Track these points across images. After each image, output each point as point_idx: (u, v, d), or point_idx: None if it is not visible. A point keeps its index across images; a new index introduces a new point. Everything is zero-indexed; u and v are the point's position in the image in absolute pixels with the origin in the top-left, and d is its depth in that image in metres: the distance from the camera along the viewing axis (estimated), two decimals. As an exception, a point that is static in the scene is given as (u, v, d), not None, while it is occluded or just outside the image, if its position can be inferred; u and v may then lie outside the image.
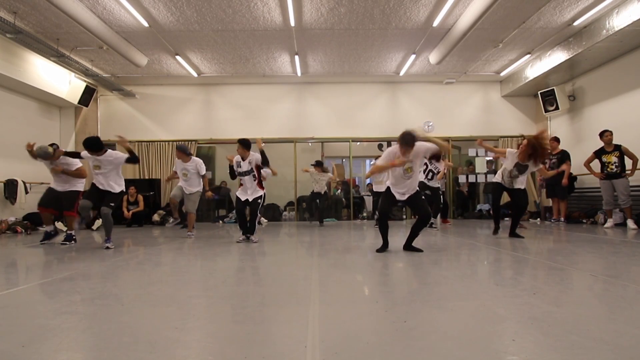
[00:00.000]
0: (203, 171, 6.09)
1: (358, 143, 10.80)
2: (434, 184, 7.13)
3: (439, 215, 8.09)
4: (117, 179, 5.00)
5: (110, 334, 1.69)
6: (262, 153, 5.22)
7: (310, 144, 11.02)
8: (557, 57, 7.89)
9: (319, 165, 8.52)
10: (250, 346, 1.54)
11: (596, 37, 6.84)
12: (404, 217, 10.25)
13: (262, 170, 5.40)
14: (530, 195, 8.85)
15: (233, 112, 10.28)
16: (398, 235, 6.01)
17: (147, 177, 9.88)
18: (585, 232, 6.03)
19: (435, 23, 6.84)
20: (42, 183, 7.32)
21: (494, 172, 9.58)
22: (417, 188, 4.16)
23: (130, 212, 8.58)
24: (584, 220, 7.72)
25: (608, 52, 7.36)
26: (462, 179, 10.47)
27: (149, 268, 3.48)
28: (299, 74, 9.41)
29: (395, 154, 4.01)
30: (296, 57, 8.40)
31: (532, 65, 8.81)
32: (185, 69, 8.96)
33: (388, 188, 4.15)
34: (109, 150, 4.98)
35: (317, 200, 8.64)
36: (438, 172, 7.10)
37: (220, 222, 9.56)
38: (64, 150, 5.39)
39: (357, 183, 12.47)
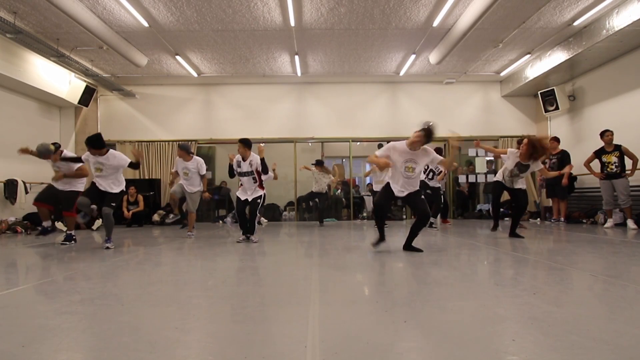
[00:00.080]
0: (204, 171, 6.08)
1: (358, 143, 10.80)
2: (435, 183, 7.13)
3: (439, 215, 8.09)
4: (118, 180, 4.98)
5: (110, 334, 1.69)
6: (262, 161, 5.22)
7: (310, 144, 11.02)
8: (557, 57, 7.89)
9: (319, 164, 8.50)
10: (250, 346, 1.54)
11: (596, 37, 6.84)
12: (404, 217, 10.25)
13: (262, 176, 5.39)
14: (530, 195, 8.85)
15: (233, 112, 10.28)
16: (398, 235, 6.01)
17: (147, 177, 9.88)
18: (585, 232, 6.03)
19: (435, 23, 6.84)
20: (42, 183, 7.31)
21: (494, 172, 9.59)
22: (418, 187, 4.16)
23: (130, 212, 8.59)
24: (584, 220, 7.72)
25: (608, 52, 7.36)
26: (462, 179, 10.47)
27: (149, 268, 3.48)
28: (299, 74, 9.42)
29: (398, 149, 4.03)
30: (296, 57, 8.40)
31: (532, 65, 8.81)
32: (185, 69, 8.96)
33: (388, 183, 4.17)
34: (111, 150, 4.94)
35: (317, 200, 8.64)
36: (439, 173, 7.10)
37: (220, 222, 9.56)
38: (63, 150, 5.38)
39: (357, 183, 12.47)
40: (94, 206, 5.01)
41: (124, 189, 5.10)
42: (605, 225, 6.80)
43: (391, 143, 4.15)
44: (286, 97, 10.37)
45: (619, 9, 6.26)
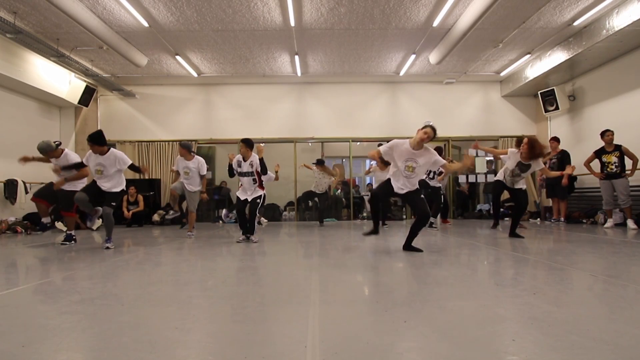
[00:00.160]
0: (204, 171, 6.08)
1: (358, 143, 10.80)
2: (435, 183, 7.13)
3: (439, 215, 8.09)
4: (118, 181, 4.95)
5: (110, 334, 1.69)
6: (262, 161, 5.23)
7: (310, 144, 11.02)
8: (557, 57, 7.89)
9: (320, 163, 8.46)
10: (250, 346, 1.54)
11: (596, 37, 6.84)
12: (404, 217, 10.25)
13: (263, 177, 5.39)
14: (530, 195, 8.86)
15: (233, 112, 10.28)
16: (398, 235, 6.02)
17: (147, 177, 9.87)
18: (585, 232, 6.03)
19: (435, 23, 6.84)
20: (42, 183, 7.30)
21: (494, 172, 9.60)
22: (417, 186, 4.17)
23: (130, 212, 8.59)
24: (584, 220, 7.72)
25: (608, 52, 7.36)
26: (462, 178, 10.47)
27: (149, 268, 3.48)
28: (299, 74, 9.42)
29: (400, 148, 4.04)
30: (296, 57, 8.40)
31: (532, 65, 8.81)
32: (185, 69, 8.96)
33: (389, 178, 4.17)
34: (112, 149, 4.91)
35: (317, 200, 8.64)
36: (440, 173, 7.10)
37: (220, 222, 9.57)
38: (64, 149, 5.38)
39: (357, 183, 12.47)
40: (99, 208, 5.00)
41: (124, 188, 5.07)
42: (605, 225, 6.80)
43: (394, 141, 4.15)
44: (286, 97, 10.37)
45: (619, 9, 6.26)
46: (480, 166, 10.35)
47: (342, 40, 7.66)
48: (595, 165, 6.89)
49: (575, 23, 6.85)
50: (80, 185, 5.43)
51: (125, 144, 9.99)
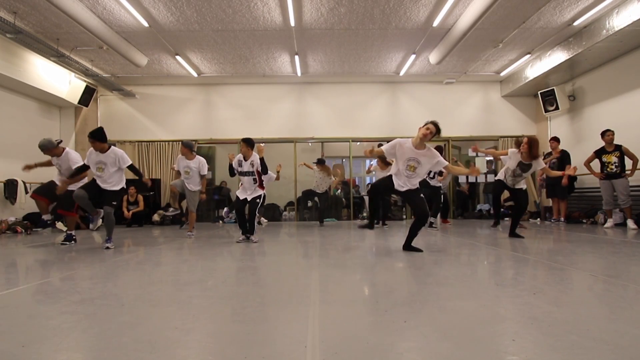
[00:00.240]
0: (205, 171, 6.08)
1: (358, 143, 10.80)
2: (435, 182, 7.13)
3: (439, 215, 8.09)
4: (119, 179, 4.93)
5: (110, 334, 1.69)
6: (262, 160, 5.22)
7: (310, 144, 11.02)
8: (557, 57, 7.89)
9: (321, 163, 8.44)
10: (250, 346, 1.54)
11: (596, 37, 6.84)
12: (404, 217, 10.25)
13: (263, 177, 5.38)
14: (530, 195, 8.85)
15: (233, 112, 10.29)
16: (398, 235, 6.02)
17: (147, 182, 9.86)
18: (585, 232, 6.03)
19: (435, 23, 6.84)
20: (42, 183, 7.31)
21: (494, 172, 9.61)
22: (418, 186, 4.16)
23: (130, 212, 8.59)
24: (584, 220, 7.72)
25: (608, 52, 7.36)
26: (462, 178, 10.48)
27: (149, 268, 3.48)
28: (299, 74, 9.42)
29: (403, 147, 4.03)
30: (296, 57, 8.40)
31: (532, 65, 8.81)
32: (185, 69, 8.96)
33: (391, 175, 4.17)
34: (113, 147, 4.89)
35: (317, 200, 8.63)
36: (441, 173, 7.09)
37: (220, 222, 9.57)
38: (65, 147, 5.38)
39: (357, 183, 12.47)
40: (100, 210, 4.99)
41: (125, 187, 5.04)
42: (605, 225, 6.80)
43: (397, 139, 4.12)
44: (286, 97, 10.37)
45: (619, 9, 6.27)
46: (480, 166, 10.34)
47: (342, 40, 7.66)
48: (595, 165, 6.89)
49: (575, 23, 6.85)
50: (80, 184, 5.44)
51: (125, 144, 9.99)
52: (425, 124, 4.03)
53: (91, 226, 5.13)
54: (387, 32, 7.33)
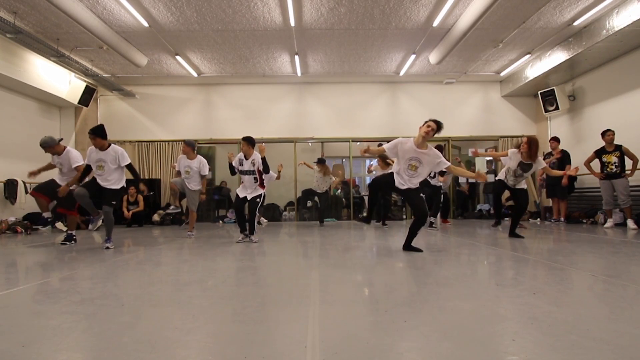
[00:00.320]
0: (206, 172, 6.08)
1: (358, 143, 10.80)
2: (436, 182, 7.12)
3: (439, 215, 8.09)
4: (119, 178, 4.92)
5: (110, 334, 1.69)
6: (264, 160, 5.22)
7: (310, 144, 11.03)
8: (557, 57, 7.90)
9: (321, 162, 8.43)
10: (250, 346, 1.54)
11: (596, 37, 6.84)
12: (404, 217, 10.24)
13: (264, 176, 5.37)
14: (530, 195, 8.85)
15: (233, 112, 10.29)
16: (398, 235, 6.02)
17: (147, 177, 9.88)
18: (585, 232, 6.03)
19: (435, 23, 6.84)
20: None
21: (494, 172, 9.61)
22: (418, 185, 4.16)
23: (130, 212, 8.59)
24: (584, 220, 7.72)
25: (608, 52, 7.36)
26: (462, 179, 10.47)
27: (149, 268, 3.48)
28: (299, 74, 9.42)
29: (405, 147, 4.03)
30: (296, 57, 8.40)
31: (532, 65, 8.81)
32: (185, 69, 8.96)
33: (392, 172, 4.18)
34: (113, 145, 4.88)
35: (317, 199, 8.63)
36: (442, 173, 7.09)
37: (220, 222, 9.56)
38: (66, 146, 5.39)
39: (357, 183, 12.47)
40: (101, 211, 4.98)
41: (125, 186, 5.02)
42: (605, 225, 6.80)
43: (399, 139, 4.12)
44: (286, 97, 10.37)
45: (619, 9, 6.27)
46: (480, 167, 10.35)
47: (342, 40, 7.66)
48: (595, 165, 6.89)
49: (575, 23, 6.85)
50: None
51: (125, 144, 9.98)
52: (426, 122, 4.03)
53: (90, 226, 5.11)
54: (387, 32, 7.33)
